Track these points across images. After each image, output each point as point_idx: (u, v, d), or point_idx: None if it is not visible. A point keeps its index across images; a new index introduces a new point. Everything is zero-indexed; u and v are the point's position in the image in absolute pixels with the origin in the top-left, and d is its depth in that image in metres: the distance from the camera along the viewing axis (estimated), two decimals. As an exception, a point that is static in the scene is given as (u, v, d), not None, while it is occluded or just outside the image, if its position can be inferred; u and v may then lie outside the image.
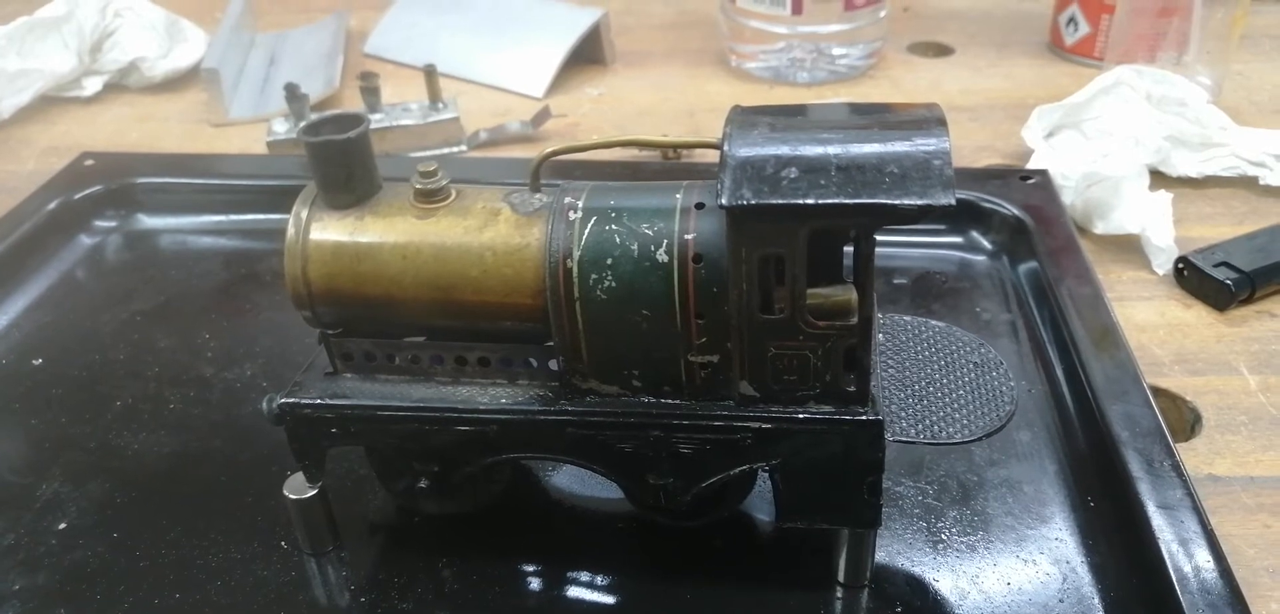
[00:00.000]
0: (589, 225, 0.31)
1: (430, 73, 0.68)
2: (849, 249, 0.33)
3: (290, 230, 0.33)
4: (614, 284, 0.31)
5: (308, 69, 0.80)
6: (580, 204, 0.32)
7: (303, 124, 0.33)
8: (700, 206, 0.31)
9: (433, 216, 0.33)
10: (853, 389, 0.31)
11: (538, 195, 0.33)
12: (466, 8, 0.86)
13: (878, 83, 0.79)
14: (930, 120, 0.29)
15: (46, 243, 0.58)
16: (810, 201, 0.27)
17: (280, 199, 0.58)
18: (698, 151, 0.65)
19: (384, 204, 0.33)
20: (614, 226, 0.31)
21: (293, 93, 0.66)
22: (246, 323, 0.52)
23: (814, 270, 0.29)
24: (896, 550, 0.36)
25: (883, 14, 0.79)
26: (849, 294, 0.31)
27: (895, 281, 0.52)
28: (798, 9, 0.75)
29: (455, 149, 0.68)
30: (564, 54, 0.77)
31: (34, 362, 0.49)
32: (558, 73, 0.77)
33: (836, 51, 0.78)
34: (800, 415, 0.31)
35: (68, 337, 0.51)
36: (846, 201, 0.27)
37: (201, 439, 0.44)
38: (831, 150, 0.28)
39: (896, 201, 0.27)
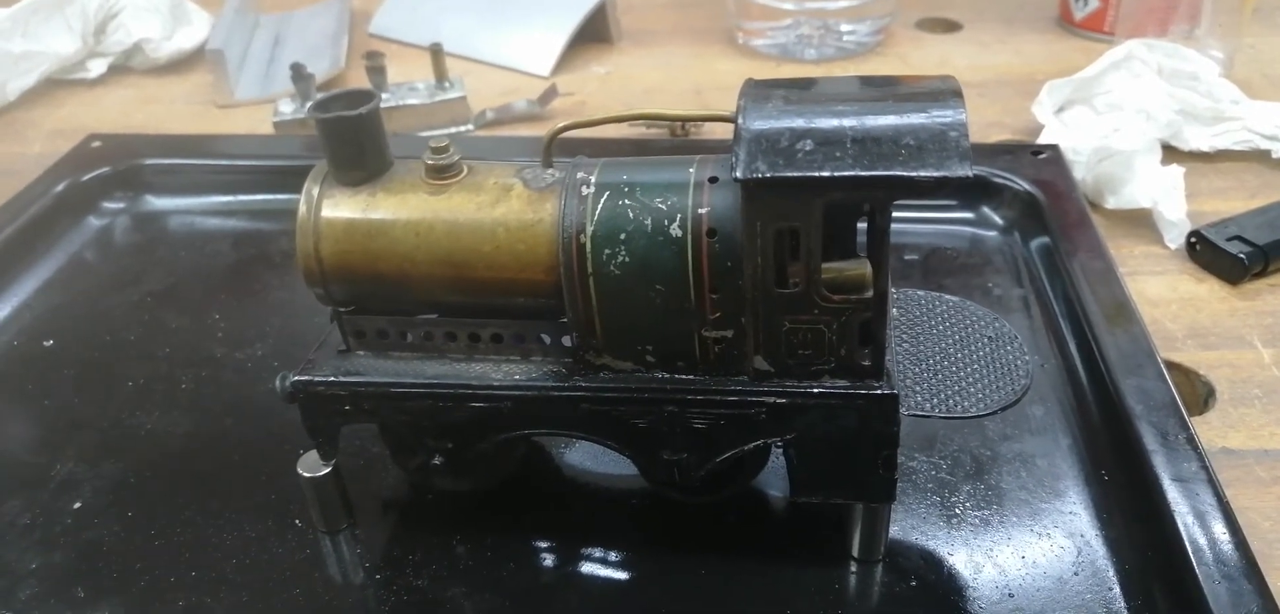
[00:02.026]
0: (602, 200, 0.31)
1: (436, 52, 0.68)
2: (862, 224, 0.33)
3: (302, 208, 0.33)
4: (627, 259, 0.30)
5: (312, 49, 0.79)
6: (593, 179, 0.32)
7: (313, 101, 0.33)
8: (714, 180, 0.31)
9: (445, 193, 0.33)
10: (867, 363, 0.31)
11: (550, 171, 0.33)
12: (471, -13, 0.85)
13: (886, 59, 0.78)
14: (946, 92, 0.29)
15: (55, 224, 0.58)
16: (826, 174, 0.27)
17: (288, 179, 0.59)
18: (706, 129, 0.65)
19: (396, 181, 0.33)
20: (627, 201, 0.31)
21: (299, 73, 0.66)
22: (256, 303, 0.52)
23: (828, 245, 0.29)
24: (910, 525, 0.36)
25: (890, -11, 0.78)
26: (863, 268, 0.31)
27: (907, 257, 0.52)
28: (805, -15, 0.75)
29: (462, 128, 0.68)
30: (570, 33, 0.77)
31: (45, 343, 0.49)
32: (564, 52, 0.77)
33: (844, 28, 0.78)
34: (815, 390, 0.31)
35: (78, 318, 0.51)
36: (862, 174, 0.27)
37: (214, 419, 0.44)
38: (847, 123, 0.28)
39: (913, 174, 0.27)
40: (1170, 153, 0.59)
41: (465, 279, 0.32)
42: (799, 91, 0.30)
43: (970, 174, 0.27)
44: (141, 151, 0.62)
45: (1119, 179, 0.55)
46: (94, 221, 0.59)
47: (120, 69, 0.80)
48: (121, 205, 0.61)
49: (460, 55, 0.78)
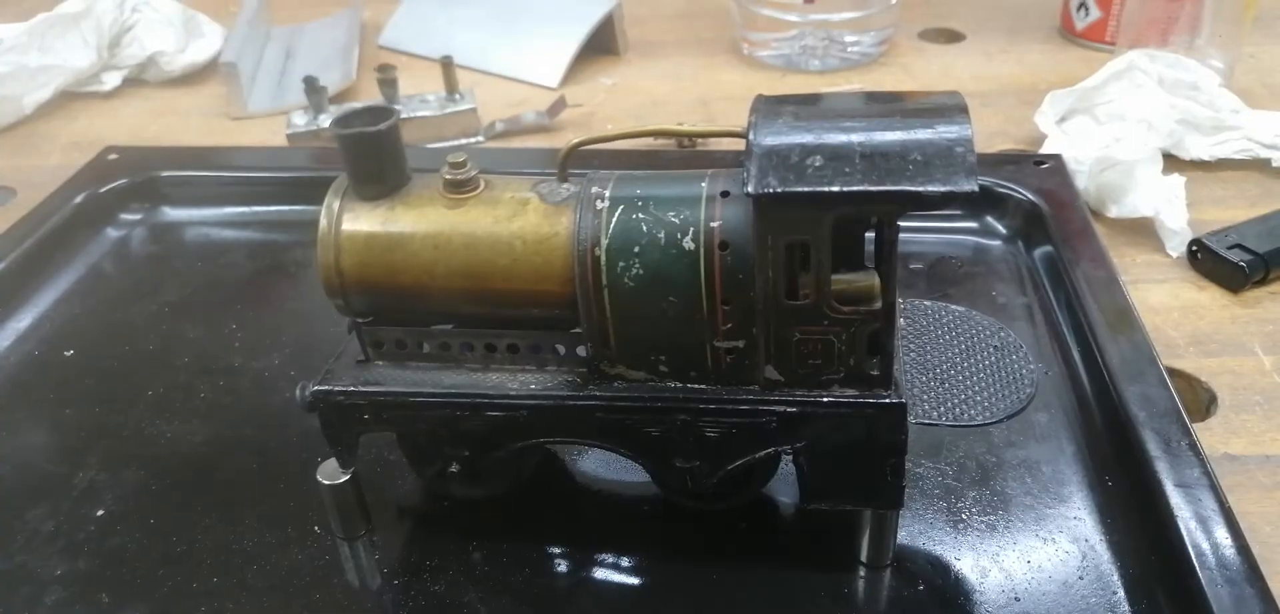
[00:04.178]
0: (616, 214, 0.32)
1: (447, 64, 0.68)
2: (870, 235, 0.33)
3: (323, 221, 0.34)
4: (641, 271, 0.31)
5: (324, 62, 0.80)
6: (607, 193, 0.32)
7: (334, 118, 0.34)
8: (725, 195, 0.31)
9: (463, 207, 0.33)
10: (876, 373, 0.31)
11: (565, 185, 0.33)
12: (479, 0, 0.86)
13: (890, 70, 0.79)
14: (952, 107, 0.30)
15: (74, 236, 0.58)
16: (835, 189, 0.28)
17: (303, 190, 0.60)
18: (711, 140, 0.65)
19: (414, 195, 0.34)
20: (641, 215, 0.32)
21: (312, 85, 0.67)
22: (272, 313, 0.53)
23: (836, 256, 0.30)
24: (917, 530, 0.37)
25: (894, 1, 0.79)
26: (871, 279, 0.32)
27: (911, 266, 0.53)
28: (810, -3, 0.76)
29: (472, 140, 0.69)
30: (578, 44, 0.78)
31: (66, 353, 0.50)
32: (572, 63, 0.78)
33: (848, 39, 0.79)
34: (825, 399, 0.32)
35: (98, 328, 0.52)
36: (871, 189, 0.28)
37: (233, 427, 0.45)
38: (855, 138, 0.29)
39: (920, 188, 0.28)
40: (1171, 162, 0.60)
41: (483, 291, 0.33)
42: (808, 107, 0.31)
43: (975, 188, 0.27)
44: (158, 164, 0.63)
45: (1121, 188, 0.56)
46: (112, 233, 0.60)
47: (134, 82, 0.81)
48: (138, 217, 0.62)
49: (470, 67, 0.79)
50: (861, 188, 0.28)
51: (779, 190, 0.28)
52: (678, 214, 0.31)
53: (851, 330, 0.31)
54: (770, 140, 0.29)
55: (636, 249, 0.31)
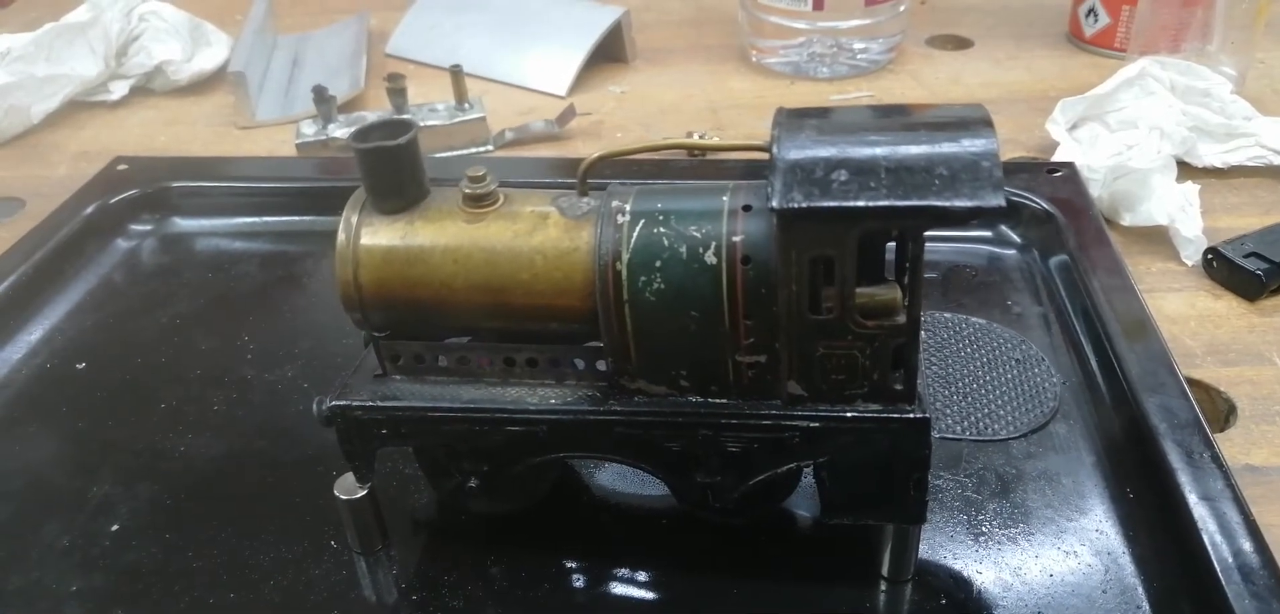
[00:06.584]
0: (637, 228, 0.32)
1: (456, 73, 0.68)
2: (890, 246, 0.33)
3: (341, 235, 0.34)
4: (663, 286, 0.31)
5: (332, 70, 0.80)
6: (628, 207, 0.32)
7: (352, 131, 0.34)
8: (748, 208, 0.31)
9: (482, 221, 0.33)
10: (900, 388, 0.31)
11: (586, 199, 0.33)
12: (486, 7, 0.86)
13: (898, 77, 0.79)
14: (976, 121, 0.29)
15: (85, 247, 0.58)
16: (861, 204, 0.28)
17: (314, 201, 0.60)
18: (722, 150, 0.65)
19: (433, 208, 0.34)
20: (662, 229, 0.31)
21: (320, 94, 0.67)
22: (285, 324, 0.52)
23: (857, 269, 0.30)
24: (938, 543, 0.37)
25: (902, 8, 0.79)
26: (894, 293, 0.32)
27: (926, 276, 0.52)
28: (818, 4, 0.76)
29: (482, 149, 0.69)
30: (586, 52, 0.78)
31: (78, 365, 0.50)
32: (580, 71, 0.78)
33: (857, 46, 0.79)
34: (848, 414, 0.31)
35: (110, 340, 0.52)
36: (898, 204, 0.28)
37: (247, 440, 0.44)
38: (879, 152, 0.29)
39: (947, 204, 0.27)
40: (1184, 169, 0.60)
41: (503, 305, 0.33)
42: (831, 121, 0.30)
43: (1002, 204, 0.27)
44: (168, 174, 0.63)
45: (1135, 196, 0.55)
46: (122, 244, 0.60)
47: (142, 91, 0.81)
48: (149, 227, 0.61)
49: (477, 75, 0.79)
50: (888, 203, 0.28)
51: (804, 205, 0.28)
52: (699, 228, 0.31)
53: (875, 345, 0.30)
54: (794, 154, 0.29)
55: (658, 264, 0.31)
